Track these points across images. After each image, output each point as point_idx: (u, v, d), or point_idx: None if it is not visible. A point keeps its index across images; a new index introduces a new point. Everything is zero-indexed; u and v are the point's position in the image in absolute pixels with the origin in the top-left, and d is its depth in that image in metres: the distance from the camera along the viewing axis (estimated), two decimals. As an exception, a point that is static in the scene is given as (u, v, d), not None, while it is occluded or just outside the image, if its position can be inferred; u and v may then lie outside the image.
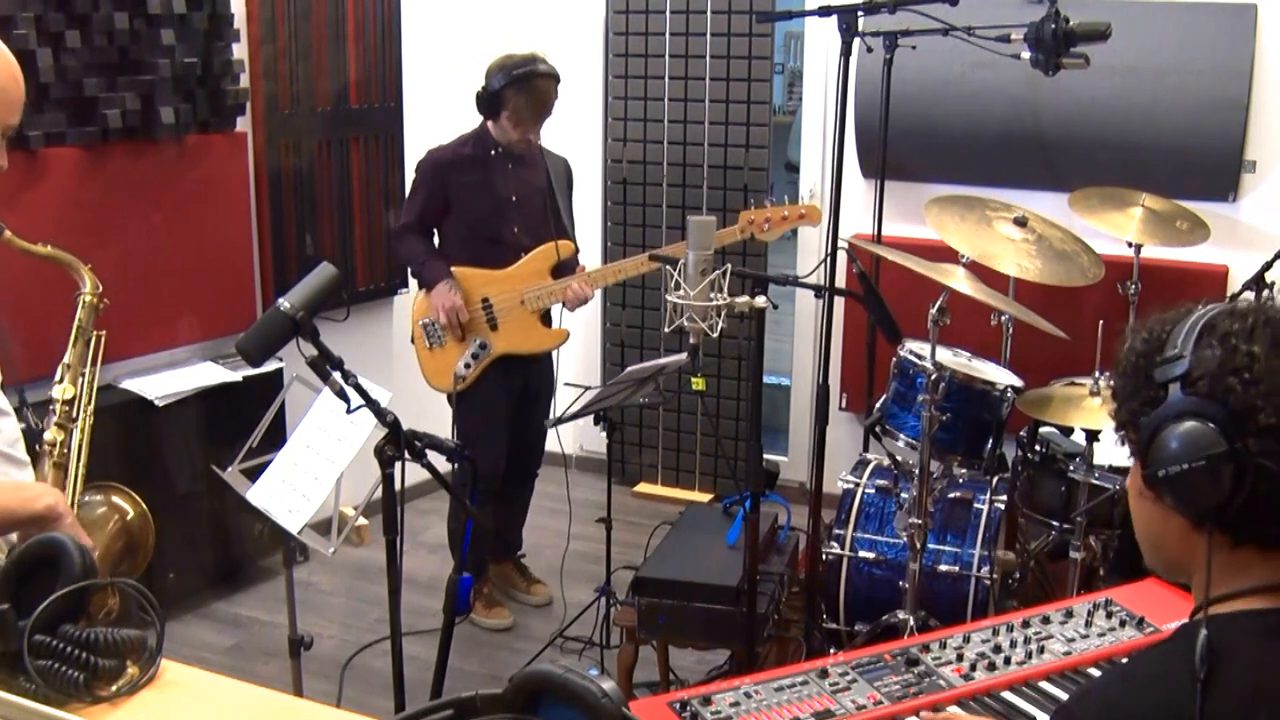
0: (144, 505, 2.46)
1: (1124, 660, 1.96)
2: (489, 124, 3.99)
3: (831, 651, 3.12)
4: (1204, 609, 1.27)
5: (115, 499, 2.41)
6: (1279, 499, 1.23)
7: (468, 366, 3.50)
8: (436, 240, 4.13)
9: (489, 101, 3.90)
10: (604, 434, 3.75)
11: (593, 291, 4.03)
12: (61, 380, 2.35)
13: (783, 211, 3.88)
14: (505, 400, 4.09)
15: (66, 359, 2.38)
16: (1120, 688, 1.33)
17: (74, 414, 2.33)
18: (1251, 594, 1.28)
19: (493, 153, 4.00)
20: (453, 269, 3.98)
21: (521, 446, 4.30)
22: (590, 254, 5.26)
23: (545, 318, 4.07)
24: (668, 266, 2.82)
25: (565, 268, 4.05)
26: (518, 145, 3.96)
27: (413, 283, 4.74)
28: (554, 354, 4.28)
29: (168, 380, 4.02)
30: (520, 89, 3.84)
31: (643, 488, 5.43)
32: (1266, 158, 4.29)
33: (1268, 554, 1.27)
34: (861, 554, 3.53)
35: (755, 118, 5.01)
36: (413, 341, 4.07)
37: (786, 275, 3.22)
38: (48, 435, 2.29)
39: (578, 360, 5.50)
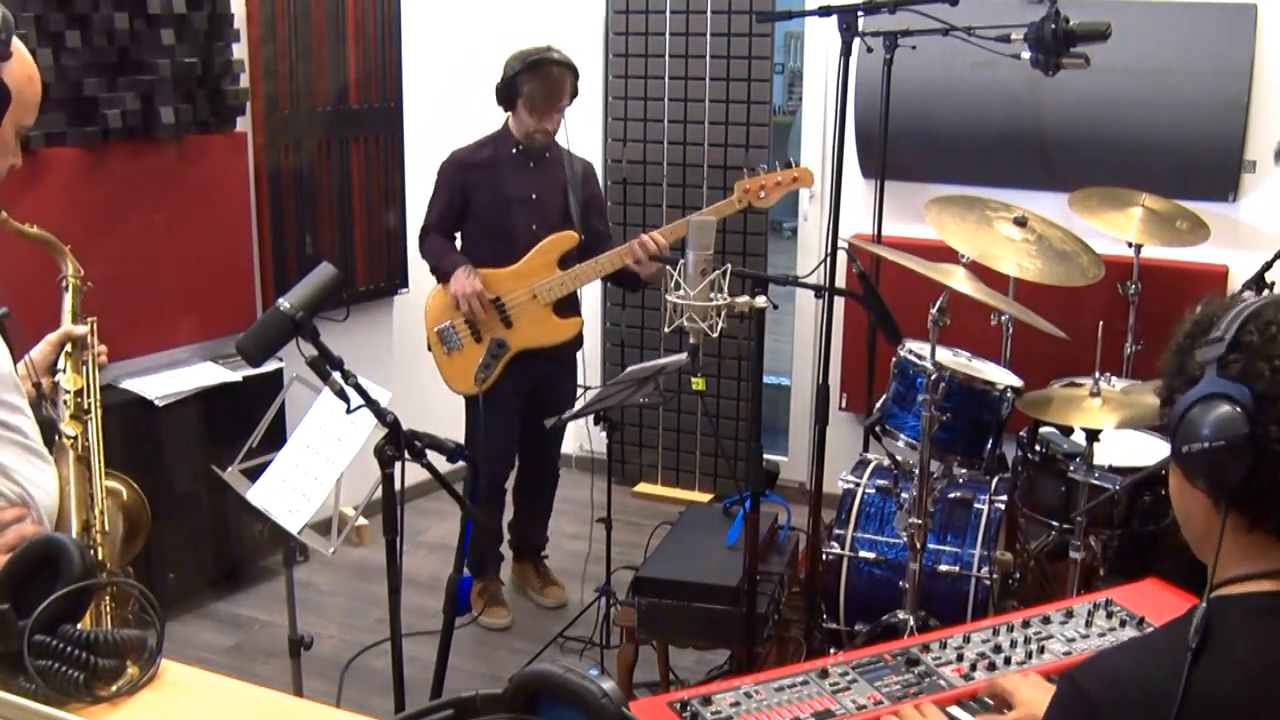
0: (133, 483, 2.40)
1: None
2: (509, 118, 4.02)
3: (831, 651, 3.12)
4: (1210, 585, 1.31)
5: (107, 483, 2.31)
6: None
7: (487, 367, 3.50)
8: (459, 241, 4.15)
9: (505, 90, 3.95)
10: (604, 434, 3.75)
11: (668, 244, 3.92)
12: (64, 369, 2.29)
13: (776, 177, 3.87)
14: (517, 398, 4.09)
15: (66, 347, 2.32)
16: (1122, 655, 1.37)
17: (85, 404, 2.27)
18: (1263, 577, 1.30)
19: (513, 151, 4.03)
20: None
21: (535, 447, 4.30)
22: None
23: (559, 309, 4.06)
24: (667, 266, 2.82)
25: (572, 258, 4.05)
26: (536, 137, 3.97)
27: (415, 285, 4.75)
28: (578, 355, 4.26)
29: (168, 380, 4.02)
30: (533, 74, 3.88)
31: (643, 488, 5.43)
32: (1266, 158, 4.28)
33: None
34: (861, 554, 3.53)
35: (755, 118, 5.01)
36: (429, 349, 4.07)
37: (786, 275, 3.22)
38: (66, 428, 2.22)
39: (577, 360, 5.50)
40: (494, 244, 4.03)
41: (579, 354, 4.26)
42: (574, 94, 3.99)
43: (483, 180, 4.04)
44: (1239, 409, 1.25)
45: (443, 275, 4.03)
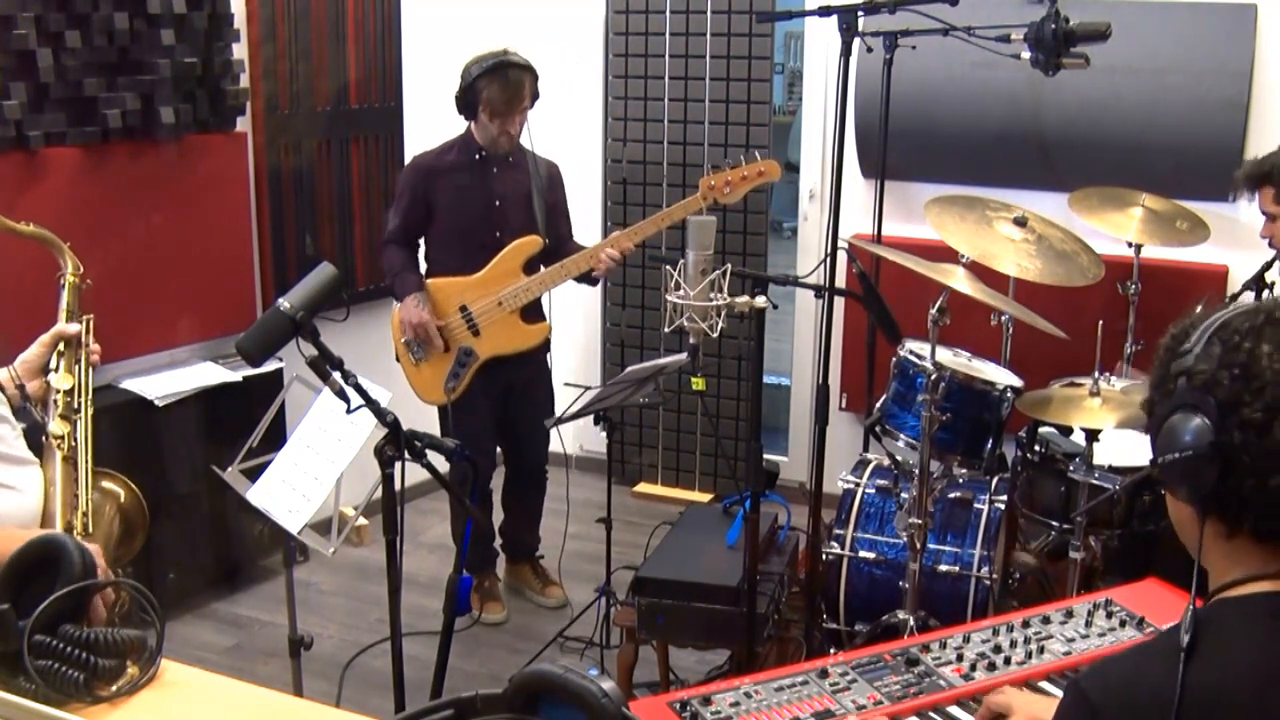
0: (132, 484, 2.39)
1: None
2: (472, 126, 4.00)
3: (831, 651, 3.12)
4: (1193, 592, 1.33)
5: (105, 484, 2.35)
6: (1263, 492, 1.27)
7: (456, 376, 3.51)
8: (423, 246, 4.13)
9: (465, 98, 3.91)
10: (604, 434, 3.75)
11: (631, 246, 3.96)
12: (57, 369, 2.28)
13: (741, 172, 3.86)
14: (488, 402, 4.08)
15: (59, 346, 2.31)
16: (1124, 660, 1.40)
17: (75, 404, 2.25)
18: (1265, 578, 1.32)
19: (477, 157, 4.00)
20: (427, 281, 4.00)
21: (517, 450, 4.30)
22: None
23: (525, 314, 4.06)
24: (667, 266, 2.82)
25: (536, 264, 4.05)
26: (500, 143, 3.95)
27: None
28: (547, 357, 4.27)
29: (168, 380, 4.02)
30: (493, 78, 3.85)
31: (643, 488, 5.43)
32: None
33: (1262, 543, 1.32)
34: (861, 554, 3.53)
35: (755, 118, 5.01)
36: (398, 359, 4.07)
37: (786, 275, 3.22)
38: (54, 428, 2.21)
39: (578, 360, 5.50)
40: (458, 251, 4.01)
41: (548, 355, 4.26)
42: (534, 95, 3.96)
43: (446, 186, 4.01)
44: (1205, 418, 1.28)
45: (396, 297, 4.04)
